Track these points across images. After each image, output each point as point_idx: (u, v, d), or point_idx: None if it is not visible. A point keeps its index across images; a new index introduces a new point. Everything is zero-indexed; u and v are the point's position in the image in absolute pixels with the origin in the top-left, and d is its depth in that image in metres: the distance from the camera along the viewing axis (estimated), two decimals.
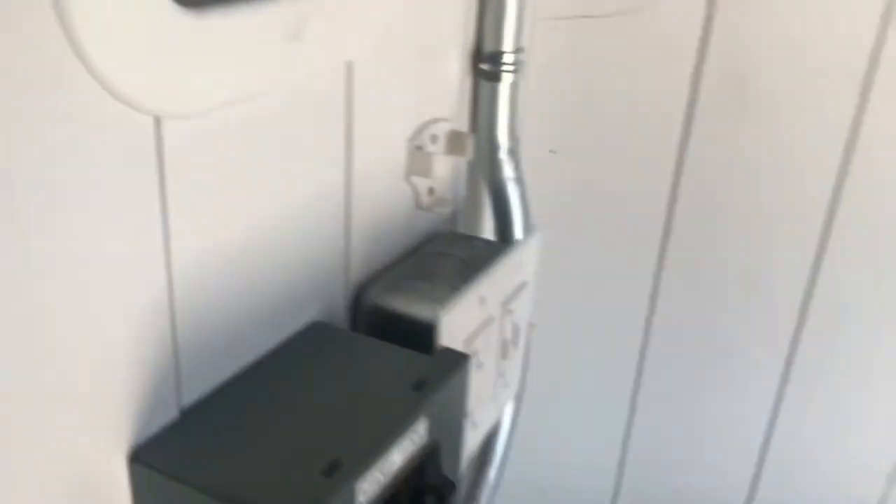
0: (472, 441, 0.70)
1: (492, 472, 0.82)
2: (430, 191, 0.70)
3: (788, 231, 0.89)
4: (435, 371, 0.53)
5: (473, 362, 0.65)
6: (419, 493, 0.51)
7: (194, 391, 0.49)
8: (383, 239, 0.66)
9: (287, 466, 0.45)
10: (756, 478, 1.03)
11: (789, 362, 0.95)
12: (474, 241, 0.73)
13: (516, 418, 0.83)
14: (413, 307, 0.61)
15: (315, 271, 0.58)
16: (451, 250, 0.70)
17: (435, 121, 0.68)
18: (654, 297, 0.93)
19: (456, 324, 0.60)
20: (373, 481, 0.46)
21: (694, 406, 0.99)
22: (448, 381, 0.53)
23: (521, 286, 0.71)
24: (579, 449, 1.03)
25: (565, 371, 0.99)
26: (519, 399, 0.82)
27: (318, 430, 0.48)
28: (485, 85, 0.72)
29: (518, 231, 0.76)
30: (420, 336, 0.59)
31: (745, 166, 0.86)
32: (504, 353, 0.71)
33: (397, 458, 0.48)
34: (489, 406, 0.72)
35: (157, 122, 0.41)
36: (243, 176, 0.49)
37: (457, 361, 0.55)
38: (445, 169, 0.67)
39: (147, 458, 0.45)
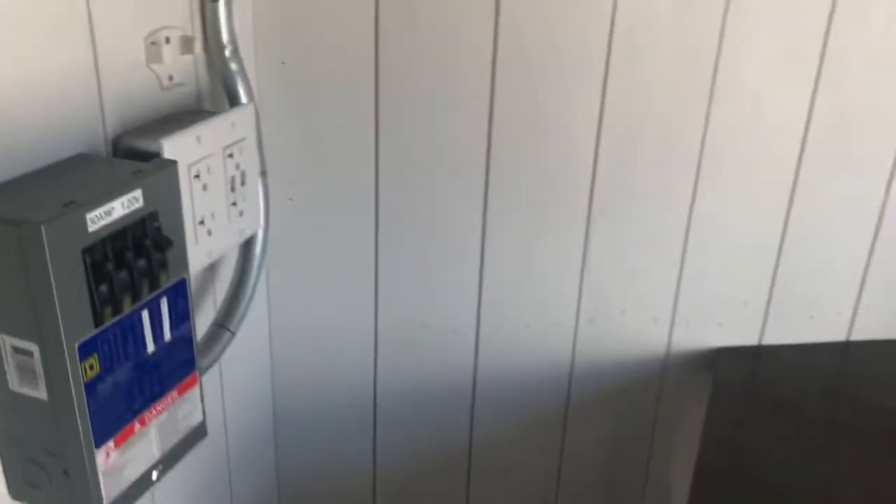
0: (212, 245, 1.02)
1: (249, 287, 1.15)
2: (171, 77, 1.02)
3: (464, 109, 1.24)
4: (151, 167, 0.85)
5: (199, 185, 0.98)
6: (141, 238, 0.83)
7: None
8: (134, 107, 0.97)
9: (43, 205, 0.76)
10: (479, 312, 1.39)
11: (485, 214, 1.31)
12: (208, 112, 1.06)
13: (265, 245, 1.16)
14: (148, 143, 0.93)
15: (77, 121, 0.89)
16: (187, 117, 1.02)
17: (168, 27, 1.00)
18: (377, 165, 1.28)
19: (176, 151, 0.92)
20: (99, 217, 0.77)
21: (424, 250, 1.34)
22: (159, 173, 0.85)
23: (241, 139, 1.04)
24: (339, 290, 1.37)
25: (322, 228, 1.32)
26: (266, 232, 1.15)
27: (67, 192, 0.79)
28: (209, 4, 1.05)
29: None
30: None
31: (422, 63, 1.21)
32: (232, 187, 1.04)
33: (118, 207, 0.80)
34: (225, 225, 1.04)
35: None
36: (7, 45, 0.80)
37: (167, 163, 0.87)
38: (173, 60, 0.99)
39: None
